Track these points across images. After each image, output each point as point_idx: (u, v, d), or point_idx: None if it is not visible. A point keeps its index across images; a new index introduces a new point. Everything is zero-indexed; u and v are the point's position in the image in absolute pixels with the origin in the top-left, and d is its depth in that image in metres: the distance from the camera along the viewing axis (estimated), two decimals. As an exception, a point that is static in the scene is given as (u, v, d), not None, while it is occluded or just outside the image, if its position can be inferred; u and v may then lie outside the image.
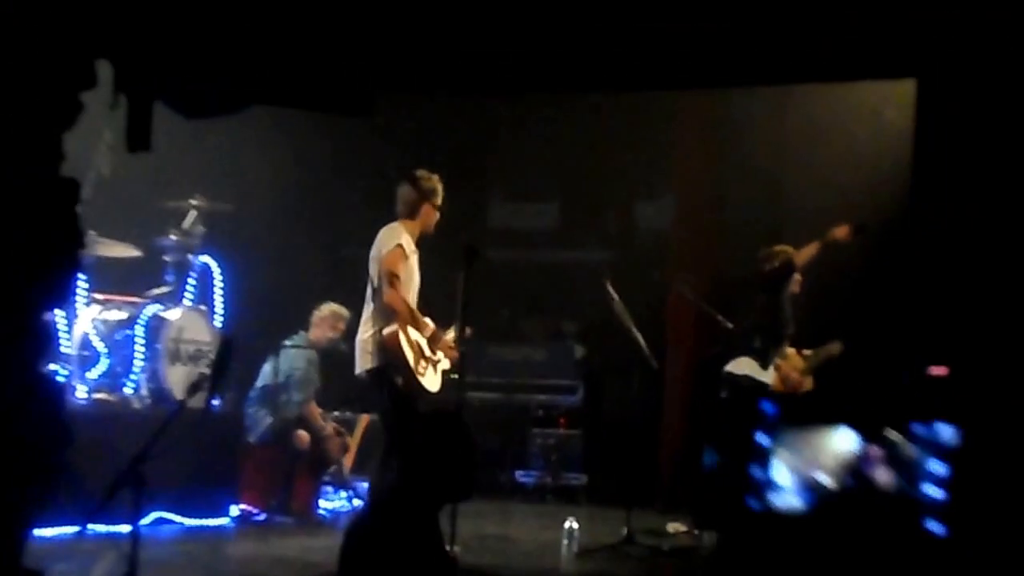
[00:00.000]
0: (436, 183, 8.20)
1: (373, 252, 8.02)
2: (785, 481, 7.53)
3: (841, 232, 9.47)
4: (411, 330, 7.93)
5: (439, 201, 8.21)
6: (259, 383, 9.93)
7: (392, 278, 7.84)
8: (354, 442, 10.00)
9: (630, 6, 6.04)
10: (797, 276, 9.68)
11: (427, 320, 8.13)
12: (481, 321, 9.67)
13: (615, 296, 9.34)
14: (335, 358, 9.95)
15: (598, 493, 10.66)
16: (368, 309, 8.03)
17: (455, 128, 11.00)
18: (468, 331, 8.21)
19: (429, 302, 8.75)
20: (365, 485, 9.14)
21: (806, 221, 10.72)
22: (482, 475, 9.70)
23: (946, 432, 6.75)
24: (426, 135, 10.68)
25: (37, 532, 5.47)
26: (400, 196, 8.19)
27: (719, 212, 11.76)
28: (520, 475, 11.28)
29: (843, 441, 7.54)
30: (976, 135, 7.00)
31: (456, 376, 8.24)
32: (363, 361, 7.96)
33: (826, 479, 7.49)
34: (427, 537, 4.78)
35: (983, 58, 6.59)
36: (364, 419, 9.76)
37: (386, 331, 7.83)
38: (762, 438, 7.31)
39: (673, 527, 9.13)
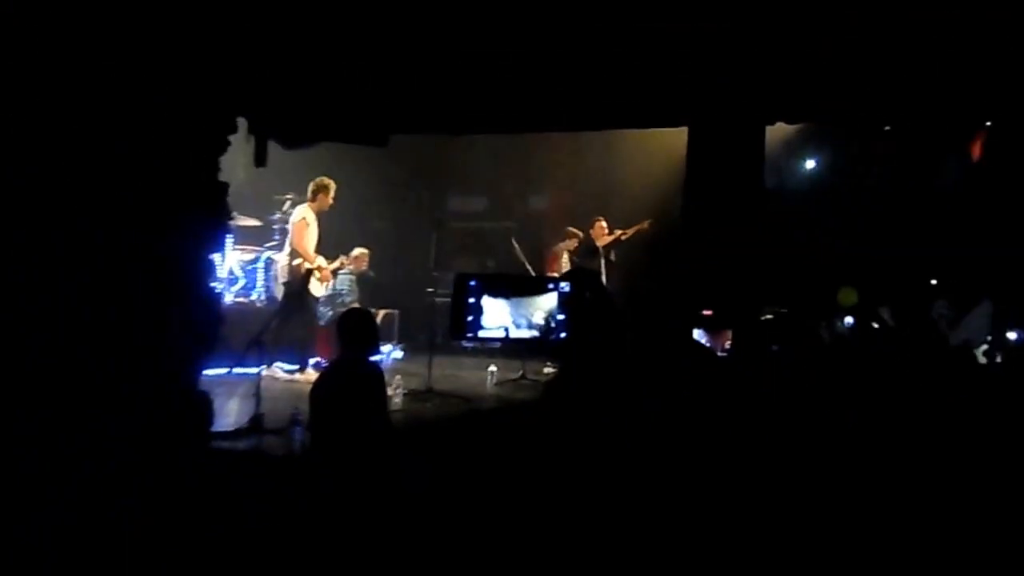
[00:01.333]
0: (330, 183, 8.47)
1: (291, 218, 8.51)
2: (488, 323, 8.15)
3: (645, 224, 9.70)
4: (307, 264, 8.29)
5: (331, 193, 8.45)
6: (326, 293, 9.92)
7: (301, 235, 8.26)
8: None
9: (525, 83, 6.05)
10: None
11: (318, 257, 8.49)
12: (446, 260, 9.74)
13: (517, 247, 9.45)
14: (365, 279, 9.97)
15: (506, 351, 10.63)
16: (287, 249, 8.42)
17: (433, 151, 10.82)
18: (345, 262, 9.01)
19: (415, 249, 8.77)
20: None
21: (623, 210, 10.82)
22: (443, 342, 9.69)
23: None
24: (416, 156, 10.55)
25: (204, 372, 5.46)
26: (309, 188, 8.49)
27: (574, 201, 11.69)
28: (465, 342, 11.19)
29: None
30: (724, 163, 6.86)
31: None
32: (282, 276, 8.44)
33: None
34: (364, 375, 4.91)
35: (735, 112, 6.56)
36: (381, 312, 9.72)
37: (295, 263, 8.27)
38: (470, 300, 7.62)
39: (547, 371, 9.17)
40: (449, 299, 9.46)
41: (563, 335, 7.68)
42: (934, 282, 9.22)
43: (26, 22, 4.19)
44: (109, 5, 4.46)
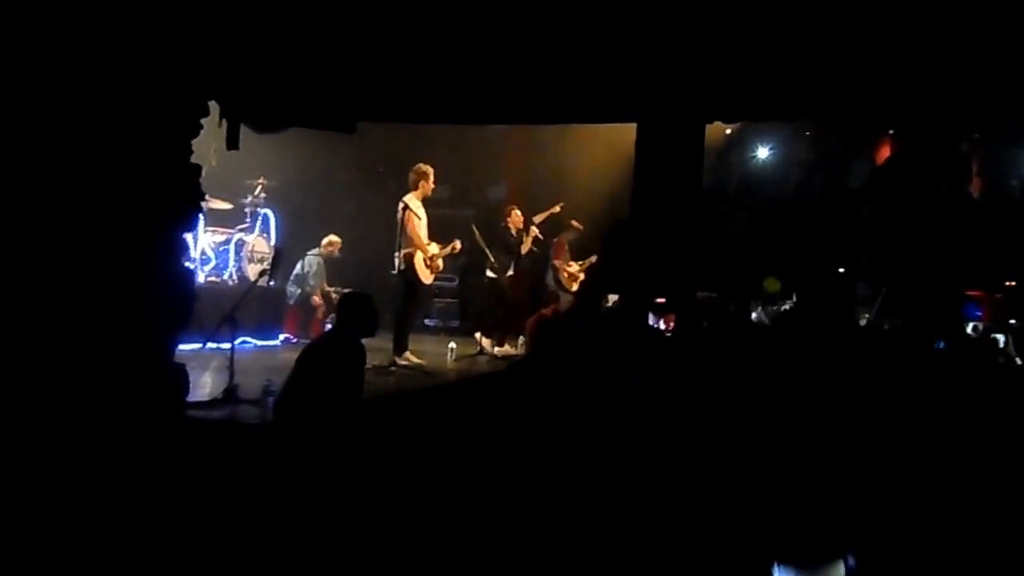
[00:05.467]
0: (428, 169, 7.94)
1: (399, 208, 7.77)
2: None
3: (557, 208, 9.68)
4: (419, 252, 7.77)
5: (431, 178, 7.94)
6: (294, 273, 9.67)
7: (411, 224, 7.67)
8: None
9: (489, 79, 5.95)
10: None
11: (430, 245, 7.98)
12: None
13: (476, 232, 9.27)
14: (333, 262, 9.79)
15: (465, 330, 10.56)
16: (400, 237, 7.73)
17: (399, 141, 10.47)
18: (459, 246, 8.47)
19: (381, 233, 8.55)
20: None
21: (575, 200, 10.72)
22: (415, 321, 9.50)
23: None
24: (383, 145, 10.28)
25: (180, 346, 5.26)
26: (410, 178, 7.94)
27: (529, 191, 11.58)
28: (428, 321, 11.18)
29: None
30: (669, 157, 6.80)
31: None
32: (397, 264, 7.76)
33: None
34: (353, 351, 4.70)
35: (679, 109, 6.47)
36: (348, 291, 9.47)
37: (406, 251, 7.68)
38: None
39: (501, 348, 9.11)
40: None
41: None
42: (841, 270, 9.41)
43: None
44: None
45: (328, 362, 4.64)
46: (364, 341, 4.77)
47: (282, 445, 4.40)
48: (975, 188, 10.24)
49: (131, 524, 3.70)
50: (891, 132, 10.55)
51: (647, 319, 6.53)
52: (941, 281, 7.84)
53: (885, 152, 10.78)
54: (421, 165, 8.00)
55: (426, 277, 8.01)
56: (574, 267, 10.22)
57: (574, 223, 10.26)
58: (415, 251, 7.75)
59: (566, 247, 10.29)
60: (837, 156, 10.95)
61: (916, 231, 9.07)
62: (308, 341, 7.31)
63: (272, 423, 4.72)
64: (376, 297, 9.49)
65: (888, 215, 9.73)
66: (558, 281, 10.11)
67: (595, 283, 9.72)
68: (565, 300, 10.00)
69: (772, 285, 8.69)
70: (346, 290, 9.46)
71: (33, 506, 3.67)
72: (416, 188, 7.91)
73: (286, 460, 4.25)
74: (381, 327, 8.63)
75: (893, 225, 9.44)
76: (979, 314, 7.82)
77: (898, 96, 6.04)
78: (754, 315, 8.79)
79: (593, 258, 10.03)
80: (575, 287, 10.09)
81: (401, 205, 7.76)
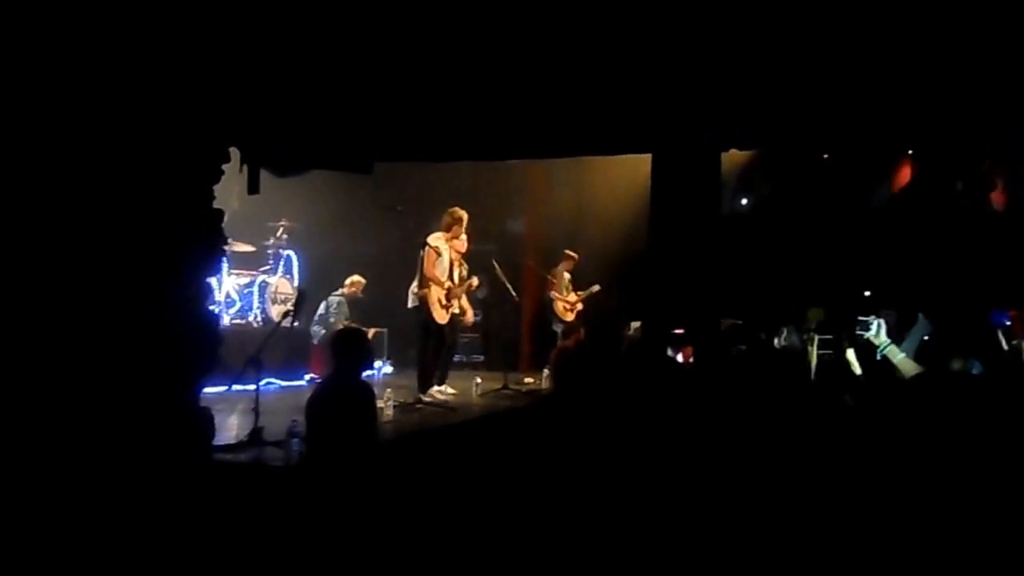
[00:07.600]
0: (463, 214, 8.09)
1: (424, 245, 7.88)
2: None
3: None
4: (436, 288, 7.81)
5: (464, 223, 8.08)
6: (318, 313, 9.72)
7: (430, 263, 7.77)
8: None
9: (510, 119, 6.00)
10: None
11: (449, 284, 8.00)
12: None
13: (496, 266, 9.28)
14: (357, 302, 9.84)
15: (490, 365, 10.57)
16: (418, 275, 7.80)
17: (416, 179, 10.49)
18: (476, 283, 8.44)
19: (402, 270, 8.57)
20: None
21: (588, 229, 10.79)
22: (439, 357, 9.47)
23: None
24: (401, 183, 10.34)
25: (205, 389, 5.29)
26: (443, 219, 8.08)
27: (547, 224, 11.64)
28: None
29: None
30: (688, 189, 6.76)
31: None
32: (411, 301, 7.87)
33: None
34: (355, 391, 4.70)
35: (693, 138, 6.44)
36: (372, 330, 9.52)
37: (423, 289, 7.73)
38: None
39: (527, 381, 9.09)
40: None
41: None
42: (867, 293, 9.30)
43: (23, 58, 4.03)
44: (105, 40, 4.31)
45: (339, 411, 4.60)
46: (388, 378, 4.77)
47: (310, 491, 4.39)
48: (999, 203, 10.11)
49: (158, 569, 3.70)
50: (911, 152, 10.48)
51: (665, 351, 6.42)
52: (969, 300, 7.71)
53: (905, 173, 10.69)
54: (457, 209, 8.14)
55: (441, 317, 7.97)
56: (572, 297, 10.36)
57: (568, 252, 10.42)
58: (431, 289, 7.78)
59: (560, 278, 10.37)
60: (857, 177, 10.86)
61: (940, 249, 8.96)
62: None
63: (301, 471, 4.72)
64: (399, 335, 9.68)
65: (911, 235, 9.63)
66: (553, 313, 10.25)
67: (616, 312, 9.73)
68: (558, 329, 10.10)
69: (816, 315, 8.61)
70: (371, 329, 9.55)
71: (60, 553, 3.68)
72: (448, 230, 8.02)
73: (312, 502, 4.24)
74: (404, 365, 8.69)
75: (916, 245, 9.34)
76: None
77: (915, 117, 6.00)
78: (785, 340, 8.65)
79: (595, 288, 10.11)
80: (570, 317, 10.27)
81: (429, 242, 7.83)
